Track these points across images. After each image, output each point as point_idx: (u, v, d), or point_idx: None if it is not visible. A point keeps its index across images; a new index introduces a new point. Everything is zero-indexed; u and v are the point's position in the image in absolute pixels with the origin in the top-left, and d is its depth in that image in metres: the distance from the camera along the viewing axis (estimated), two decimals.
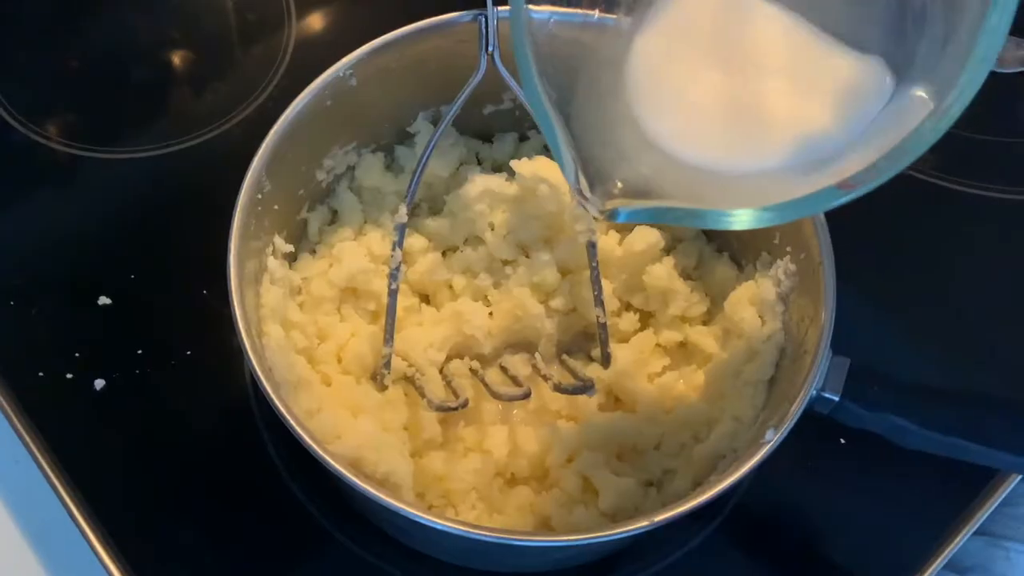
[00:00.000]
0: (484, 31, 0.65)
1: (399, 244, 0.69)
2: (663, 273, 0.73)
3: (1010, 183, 0.87)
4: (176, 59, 0.90)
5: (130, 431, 0.72)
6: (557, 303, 0.74)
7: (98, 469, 0.70)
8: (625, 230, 0.74)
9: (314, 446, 0.56)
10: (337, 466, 0.55)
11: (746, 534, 0.72)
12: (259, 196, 0.64)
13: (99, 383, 0.72)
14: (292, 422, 0.56)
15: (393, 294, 0.68)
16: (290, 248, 0.70)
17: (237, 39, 0.92)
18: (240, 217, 0.62)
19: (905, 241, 0.84)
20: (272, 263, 0.68)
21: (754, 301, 0.69)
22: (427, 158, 0.67)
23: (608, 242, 0.73)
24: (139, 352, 0.74)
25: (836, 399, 0.59)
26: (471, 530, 0.56)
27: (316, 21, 0.93)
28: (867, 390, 0.59)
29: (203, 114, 0.85)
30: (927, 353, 0.79)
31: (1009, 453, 0.56)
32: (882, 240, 0.83)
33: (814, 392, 0.59)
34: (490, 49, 0.65)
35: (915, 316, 0.80)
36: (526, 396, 0.67)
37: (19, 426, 0.70)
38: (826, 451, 0.73)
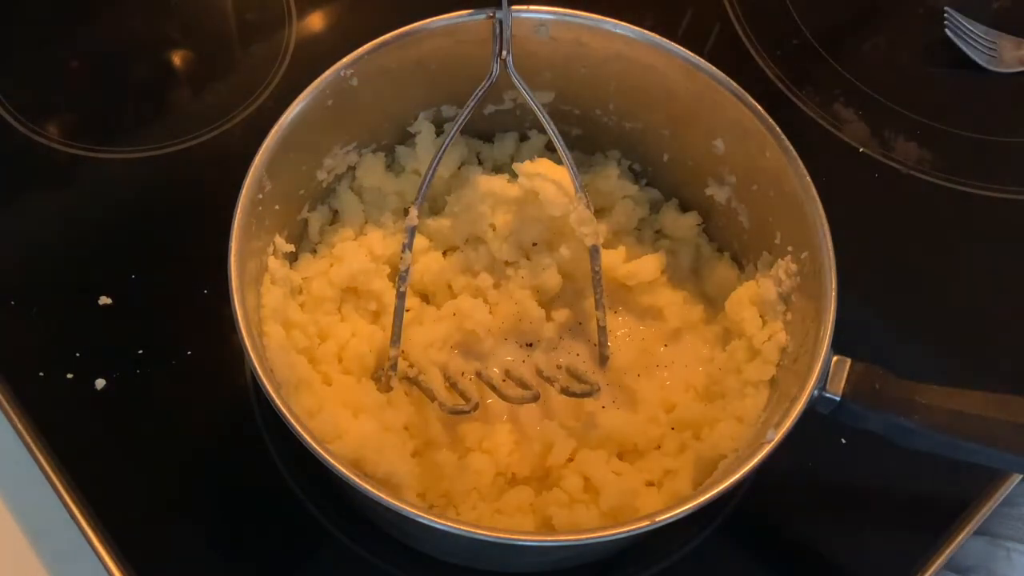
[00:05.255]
0: (498, 34, 0.64)
1: (408, 247, 0.68)
2: (653, 291, 0.74)
3: (1010, 183, 0.87)
4: (176, 59, 0.90)
5: (130, 431, 0.72)
6: (558, 305, 0.74)
7: (98, 469, 0.70)
8: (631, 255, 0.75)
9: (315, 446, 0.56)
10: (338, 466, 0.55)
11: (747, 535, 0.72)
12: (260, 196, 0.64)
13: (99, 383, 0.72)
14: (293, 422, 0.56)
15: (401, 296, 0.68)
16: (291, 248, 0.70)
17: (237, 39, 0.92)
18: (241, 217, 0.62)
19: (905, 240, 0.84)
20: (273, 263, 0.68)
21: (755, 301, 0.69)
22: (438, 162, 0.67)
23: (609, 260, 0.73)
24: (139, 352, 0.74)
25: (837, 399, 0.59)
26: (472, 530, 0.56)
27: (316, 21, 0.93)
28: (869, 390, 0.59)
29: (203, 114, 0.85)
30: (927, 352, 0.79)
31: (1013, 454, 0.56)
32: (882, 239, 0.84)
33: (815, 392, 0.59)
34: (504, 54, 0.64)
35: (915, 315, 0.80)
36: (535, 399, 0.67)
37: (19, 426, 0.70)
38: (827, 451, 0.73)
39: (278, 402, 0.56)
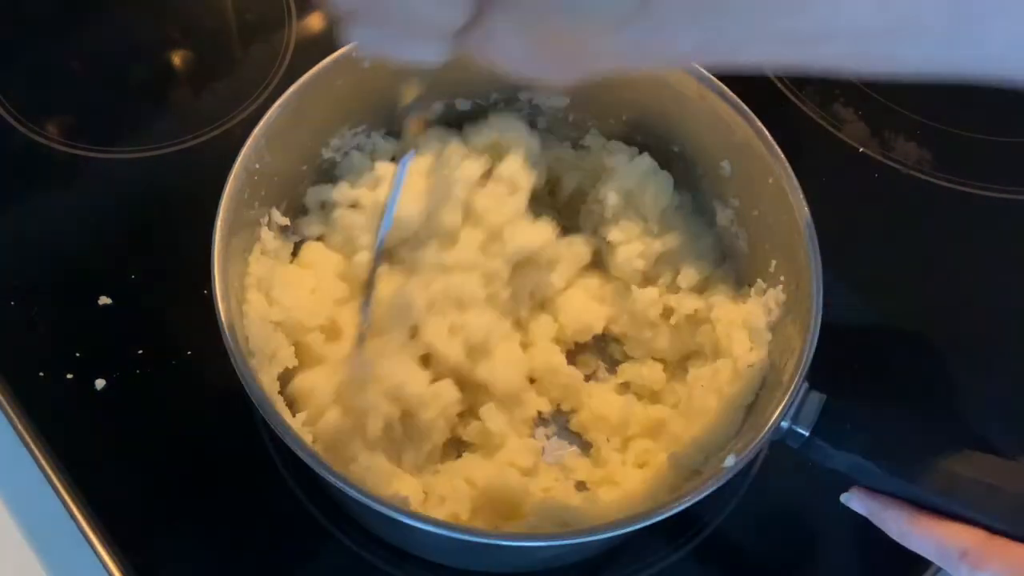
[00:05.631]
0: None
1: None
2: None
3: (1010, 183, 0.87)
4: (176, 59, 0.90)
5: (130, 431, 0.72)
6: None
7: (98, 469, 0.70)
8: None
9: (266, 400, 0.56)
10: (292, 430, 0.56)
11: (747, 534, 0.71)
12: (256, 166, 0.64)
13: (99, 383, 0.72)
14: (252, 380, 0.56)
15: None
16: (286, 221, 0.70)
17: (237, 39, 0.92)
18: (233, 183, 0.62)
19: (904, 240, 0.84)
20: (266, 234, 0.68)
21: (746, 325, 0.68)
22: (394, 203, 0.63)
23: None
24: (139, 352, 0.74)
25: (806, 434, 0.58)
26: (420, 521, 0.55)
27: (316, 21, 0.93)
28: (839, 429, 0.58)
29: (203, 114, 0.85)
30: (926, 352, 0.79)
31: (975, 511, 0.54)
32: (881, 239, 0.84)
33: (785, 425, 0.58)
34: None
35: (914, 314, 0.80)
36: None
37: (19, 426, 0.70)
38: (820, 476, 0.72)
39: (242, 361, 0.57)
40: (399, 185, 0.61)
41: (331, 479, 0.55)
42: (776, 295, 0.66)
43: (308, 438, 0.62)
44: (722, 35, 0.38)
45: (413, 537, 0.66)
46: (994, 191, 0.87)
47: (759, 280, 0.69)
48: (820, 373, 0.59)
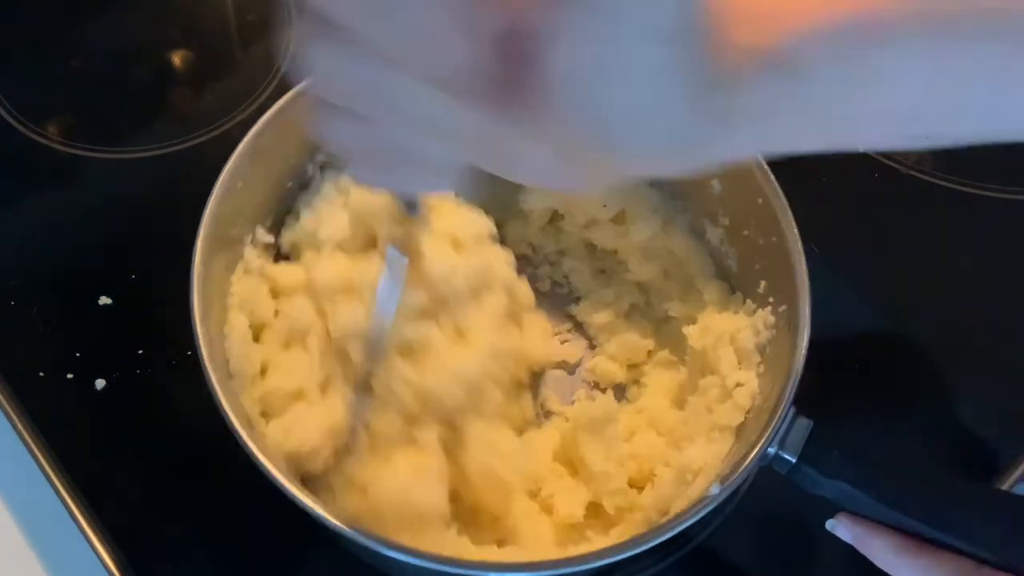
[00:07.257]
0: None
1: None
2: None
3: (1010, 183, 0.87)
4: (176, 59, 0.90)
5: (130, 431, 0.72)
6: None
7: (98, 469, 0.70)
8: None
9: (238, 428, 0.56)
10: (254, 448, 0.56)
11: (734, 546, 0.70)
12: (239, 185, 0.64)
13: (99, 383, 0.72)
14: (224, 402, 0.56)
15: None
16: (271, 239, 0.70)
17: (237, 39, 0.92)
18: (214, 204, 0.62)
19: (904, 240, 0.84)
20: (249, 253, 0.68)
21: (734, 344, 0.67)
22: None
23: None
24: (139, 352, 0.74)
25: (793, 460, 0.57)
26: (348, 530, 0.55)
27: None
28: (826, 455, 0.57)
29: (203, 114, 0.85)
30: (925, 352, 0.79)
31: (968, 544, 0.54)
32: (881, 239, 0.83)
33: (772, 451, 0.57)
34: None
35: (914, 315, 0.80)
36: None
37: (19, 426, 0.70)
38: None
39: (215, 382, 0.56)
40: (397, 287, 0.56)
41: (303, 504, 0.55)
42: (765, 316, 0.65)
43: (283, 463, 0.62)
44: (767, 139, 0.37)
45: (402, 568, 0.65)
46: (994, 191, 0.87)
47: (748, 300, 0.68)
48: (813, 384, 0.59)
